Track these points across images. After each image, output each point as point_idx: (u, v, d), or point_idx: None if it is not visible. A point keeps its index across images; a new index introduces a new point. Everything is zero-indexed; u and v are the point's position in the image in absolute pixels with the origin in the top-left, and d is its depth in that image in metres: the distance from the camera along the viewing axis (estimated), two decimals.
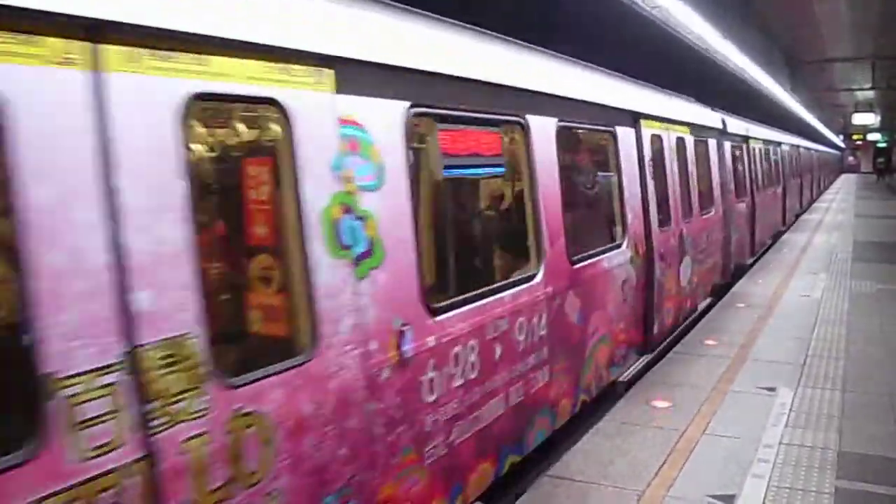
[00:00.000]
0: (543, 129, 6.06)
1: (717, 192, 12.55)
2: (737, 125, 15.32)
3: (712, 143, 12.60)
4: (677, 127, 10.24)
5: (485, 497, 5.17)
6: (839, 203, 36.61)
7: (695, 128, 11.19)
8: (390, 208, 4.13)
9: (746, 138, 16.38)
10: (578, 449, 6.21)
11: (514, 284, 5.55)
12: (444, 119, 4.92)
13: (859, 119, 46.43)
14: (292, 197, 3.50)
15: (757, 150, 17.77)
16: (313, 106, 3.60)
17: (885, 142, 68.78)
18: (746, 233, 15.99)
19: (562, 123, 6.43)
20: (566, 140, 7.25)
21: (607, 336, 7.40)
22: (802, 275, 14.67)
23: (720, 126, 13.23)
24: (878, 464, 5.86)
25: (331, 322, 3.63)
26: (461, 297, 4.91)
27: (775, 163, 21.42)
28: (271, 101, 3.41)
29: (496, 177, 6.35)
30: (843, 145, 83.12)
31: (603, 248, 7.46)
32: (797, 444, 6.21)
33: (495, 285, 5.36)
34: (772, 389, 7.58)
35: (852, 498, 5.32)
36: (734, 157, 14.77)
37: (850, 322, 10.44)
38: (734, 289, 13.33)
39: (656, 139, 9.18)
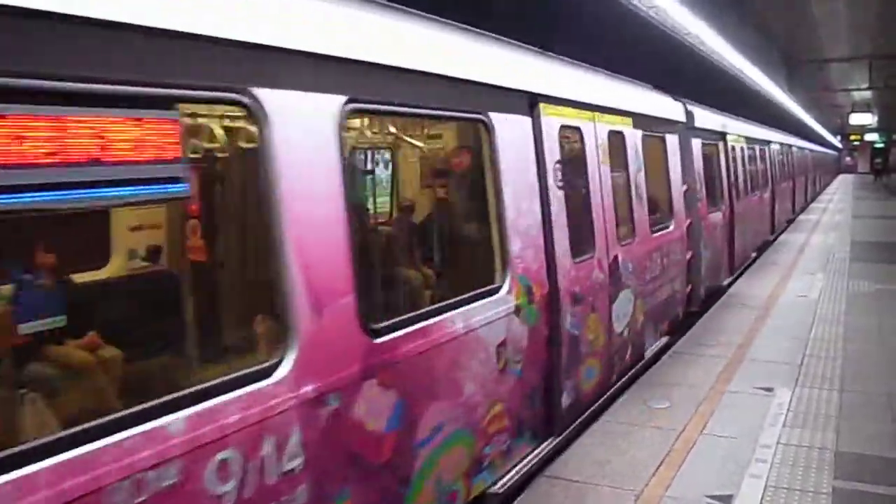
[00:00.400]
0: (303, 116, 3.64)
1: (677, 201, 10.15)
2: (709, 119, 13.05)
3: (672, 139, 10.25)
4: (611, 117, 7.73)
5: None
6: (836, 204, 36.67)
7: (642, 119, 8.70)
8: None
9: (723, 135, 14.04)
10: (576, 449, 6.20)
11: (212, 394, 3.11)
12: None
13: (857, 119, 46.38)
14: None
15: (738, 150, 15.46)
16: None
17: (882, 142, 68.84)
18: (723, 249, 13.64)
19: (356, 106, 4.10)
20: (371, 133, 6.57)
21: (464, 433, 4.91)
22: (800, 275, 14.68)
23: (683, 119, 10.98)
24: (876, 464, 5.86)
25: None
26: None
27: (762, 164, 19.26)
28: None
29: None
30: (840, 145, 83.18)
31: (455, 299, 4.94)
32: (795, 444, 6.21)
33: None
34: (769, 389, 7.58)
35: (850, 498, 5.32)
36: (706, 158, 12.42)
37: (848, 322, 10.45)
38: (731, 290, 13.33)
39: (570, 133, 6.75)
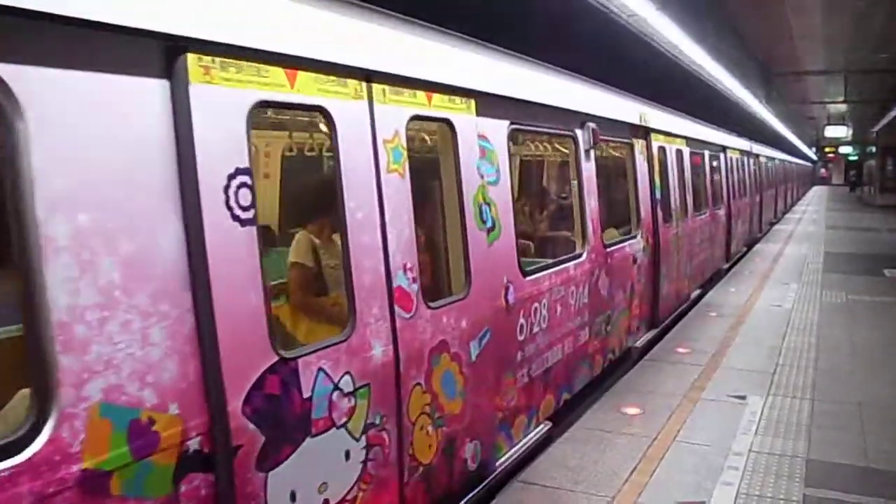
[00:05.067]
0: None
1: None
2: (610, 102, 8.95)
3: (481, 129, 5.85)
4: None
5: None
6: (811, 215, 37.02)
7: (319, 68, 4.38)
8: None
9: (645, 131, 10.17)
10: (549, 454, 6.21)
11: None
12: None
13: (831, 132, 46.95)
14: None
15: (673, 154, 11.83)
16: None
17: (856, 155, 69.63)
18: (637, 296, 9.60)
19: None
20: None
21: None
22: (774, 285, 14.80)
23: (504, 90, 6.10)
24: (846, 472, 5.92)
25: None
26: None
27: (713, 175, 15.88)
28: None
29: None
30: (815, 157, 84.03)
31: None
32: (766, 452, 6.25)
33: None
34: (742, 398, 7.62)
35: None
36: (606, 163, 9.95)
37: (821, 332, 10.54)
38: (706, 298, 13.40)
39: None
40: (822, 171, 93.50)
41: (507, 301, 5.78)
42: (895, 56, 22.37)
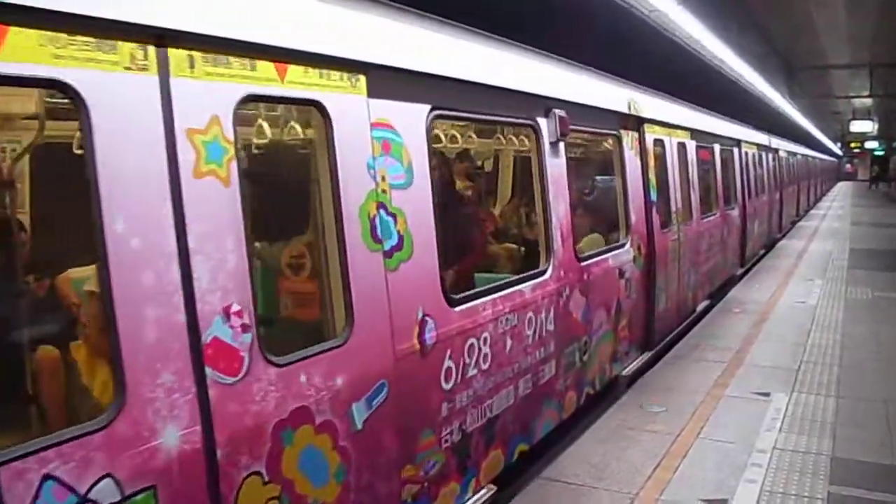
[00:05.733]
0: None
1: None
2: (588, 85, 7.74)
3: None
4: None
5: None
6: (835, 210, 36.72)
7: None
8: None
9: (638, 121, 8.88)
10: (572, 451, 6.23)
11: None
12: None
13: (857, 127, 46.42)
14: None
15: (676, 149, 10.60)
16: None
17: (882, 150, 68.86)
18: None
19: None
20: None
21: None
22: (798, 281, 14.69)
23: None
24: (871, 470, 5.88)
25: None
26: None
27: (725, 171, 14.43)
28: None
29: None
30: (840, 153, 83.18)
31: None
32: (790, 450, 6.22)
33: None
34: (766, 395, 7.59)
35: (845, 503, 5.33)
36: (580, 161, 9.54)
37: (845, 329, 10.46)
38: (729, 294, 13.33)
39: None
40: (848, 166, 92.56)
41: (421, 341, 4.50)
42: None
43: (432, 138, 4.92)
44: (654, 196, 9.13)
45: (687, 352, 9.33)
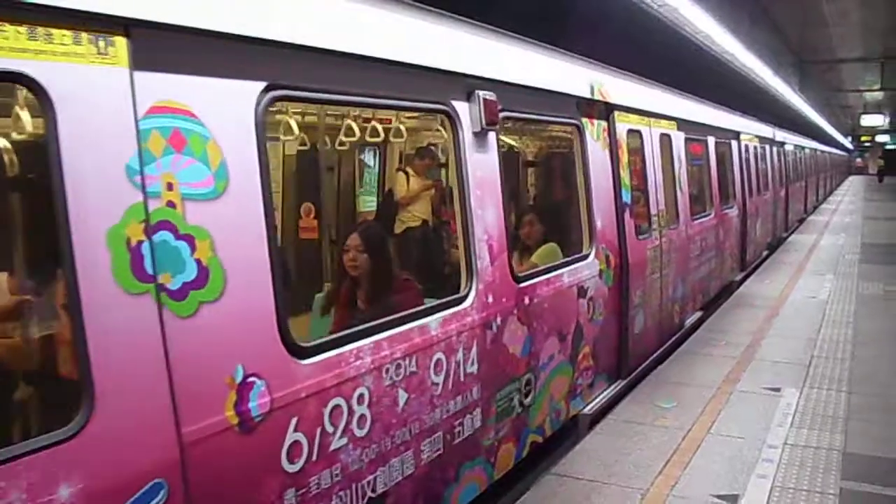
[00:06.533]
0: None
1: None
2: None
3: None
4: None
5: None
6: (846, 205, 36.55)
7: None
8: None
9: (608, 109, 7.50)
10: (582, 447, 6.20)
11: None
12: None
13: (868, 120, 46.29)
14: None
15: (658, 141, 9.13)
16: None
17: (893, 143, 68.57)
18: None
19: None
20: None
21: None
22: (809, 276, 14.63)
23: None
24: (884, 465, 5.83)
25: None
26: None
27: (721, 166, 13.07)
28: None
29: None
30: (851, 146, 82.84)
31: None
32: (802, 445, 6.19)
33: None
34: (777, 390, 7.55)
35: (857, 499, 5.29)
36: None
37: (857, 323, 10.40)
38: (741, 289, 13.28)
39: None
40: (859, 160, 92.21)
41: (242, 412, 3.18)
42: None
43: (267, 128, 3.52)
44: (627, 197, 7.73)
45: (697, 346, 9.28)
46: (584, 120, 6.94)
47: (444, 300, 4.77)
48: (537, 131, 9.17)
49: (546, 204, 8.29)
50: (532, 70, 6.00)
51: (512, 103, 5.46)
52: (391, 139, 8.33)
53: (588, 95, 6.97)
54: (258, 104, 3.38)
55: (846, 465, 5.79)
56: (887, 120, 50.70)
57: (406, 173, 8.58)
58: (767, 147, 18.58)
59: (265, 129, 3.46)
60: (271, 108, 3.65)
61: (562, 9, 9.53)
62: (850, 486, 5.46)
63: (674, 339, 9.48)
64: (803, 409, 7.00)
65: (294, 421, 3.45)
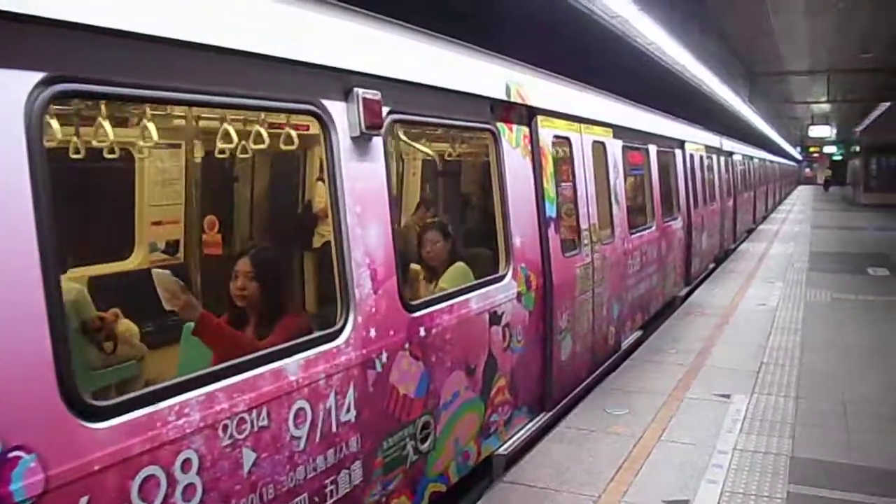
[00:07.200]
0: None
1: None
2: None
3: None
4: None
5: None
6: (796, 214, 37.30)
7: None
8: None
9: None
10: (535, 455, 6.19)
11: None
12: None
13: (816, 131, 47.24)
14: None
15: (590, 149, 8.40)
16: None
17: (840, 154, 70.08)
18: None
19: None
20: None
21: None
22: (759, 284, 14.86)
23: None
24: (830, 469, 5.93)
25: None
26: None
27: (664, 176, 12.40)
28: None
29: None
30: (800, 157, 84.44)
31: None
32: (751, 450, 6.26)
33: None
34: (727, 396, 7.63)
35: (804, 502, 5.37)
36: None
37: (805, 330, 10.58)
38: (692, 298, 13.42)
39: None
40: (808, 170, 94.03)
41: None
42: (878, 56, 22.51)
43: (43, 128, 2.75)
44: (552, 210, 6.98)
45: (649, 354, 9.36)
46: (501, 125, 6.20)
47: (308, 338, 3.97)
48: (446, 137, 8.41)
49: (454, 220, 7.63)
50: (431, 66, 5.17)
51: (404, 104, 4.79)
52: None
53: (503, 97, 6.19)
54: (31, 101, 2.64)
55: (793, 470, 5.87)
56: (834, 131, 51.80)
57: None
58: (715, 157, 18.25)
59: (42, 131, 2.70)
60: (62, 107, 2.99)
61: (479, 4, 8.77)
62: (797, 489, 5.54)
63: (610, 361, 8.78)
64: (752, 415, 7.09)
65: (84, 502, 2.69)
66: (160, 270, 4.19)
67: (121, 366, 5.45)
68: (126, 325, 5.46)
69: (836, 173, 69.57)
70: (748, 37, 21.50)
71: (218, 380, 3.30)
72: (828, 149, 73.06)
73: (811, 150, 78.83)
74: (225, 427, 3.28)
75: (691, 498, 5.39)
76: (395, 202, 4.81)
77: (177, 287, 4.15)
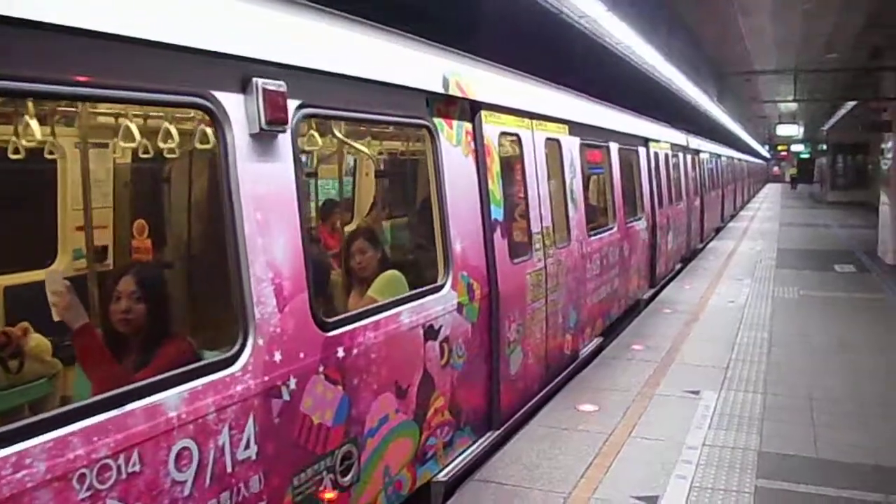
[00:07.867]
0: None
1: None
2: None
3: None
4: None
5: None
6: (764, 212, 37.70)
7: None
8: None
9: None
10: (505, 452, 6.21)
11: None
12: None
13: (783, 130, 47.70)
14: None
15: (543, 147, 7.87)
16: None
17: (807, 153, 70.87)
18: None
19: None
20: None
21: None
22: (728, 281, 15.01)
23: None
24: (797, 463, 6.02)
25: None
26: None
27: (626, 175, 11.93)
28: None
29: None
30: (768, 155, 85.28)
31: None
32: (720, 446, 6.33)
33: None
34: (696, 392, 7.71)
35: (772, 496, 5.45)
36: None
37: (773, 327, 10.71)
38: (661, 295, 13.52)
39: None
40: (776, 168, 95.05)
41: None
42: (843, 56, 22.81)
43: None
44: (498, 213, 6.42)
45: (619, 351, 9.42)
46: (439, 120, 5.64)
47: (194, 366, 3.41)
48: (377, 134, 7.80)
49: (385, 225, 7.19)
50: (352, 56, 4.61)
51: (320, 97, 4.29)
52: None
53: (440, 90, 5.61)
54: None
55: (761, 464, 5.95)
56: (801, 129, 52.35)
57: None
58: (681, 155, 17.71)
59: None
60: None
61: None
62: (764, 483, 5.61)
63: (566, 372, 8.25)
64: (721, 411, 7.17)
65: None
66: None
67: (29, 385, 4.85)
68: (37, 340, 4.93)
69: (803, 171, 70.44)
70: (717, 37, 21.67)
71: (71, 422, 2.73)
72: (795, 147, 73.85)
73: (779, 148, 79.57)
74: (82, 476, 2.73)
75: (661, 493, 5.44)
76: (307, 207, 4.41)
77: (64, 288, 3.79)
